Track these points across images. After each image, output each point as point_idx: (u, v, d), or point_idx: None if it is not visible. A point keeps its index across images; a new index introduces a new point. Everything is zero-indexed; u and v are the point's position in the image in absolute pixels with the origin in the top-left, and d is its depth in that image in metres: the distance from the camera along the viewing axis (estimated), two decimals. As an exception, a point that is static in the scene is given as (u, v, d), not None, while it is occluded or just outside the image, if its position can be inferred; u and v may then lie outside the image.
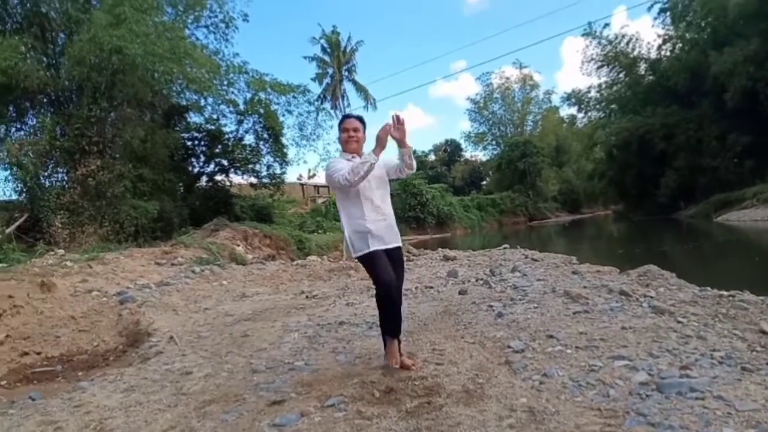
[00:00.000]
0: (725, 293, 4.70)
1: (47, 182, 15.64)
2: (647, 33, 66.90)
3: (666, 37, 34.02)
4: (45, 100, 16.69)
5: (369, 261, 3.39)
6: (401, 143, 3.49)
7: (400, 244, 3.57)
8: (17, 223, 14.10)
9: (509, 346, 3.58)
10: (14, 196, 15.82)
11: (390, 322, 3.47)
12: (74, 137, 15.18)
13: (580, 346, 3.46)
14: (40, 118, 16.66)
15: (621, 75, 37.50)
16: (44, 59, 16.31)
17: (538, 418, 2.49)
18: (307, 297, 6.65)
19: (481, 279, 6.59)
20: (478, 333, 4.04)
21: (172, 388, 3.30)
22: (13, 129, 17.05)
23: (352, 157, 3.45)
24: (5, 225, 13.95)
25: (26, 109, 17.24)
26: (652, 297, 4.65)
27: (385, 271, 3.33)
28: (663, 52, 34.73)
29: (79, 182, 14.80)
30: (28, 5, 16.14)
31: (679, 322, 3.87)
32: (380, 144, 3.32)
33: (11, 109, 16.56)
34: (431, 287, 6.47)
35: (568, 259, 8.15)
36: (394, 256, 3.47)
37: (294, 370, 3.56)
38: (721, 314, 4.03)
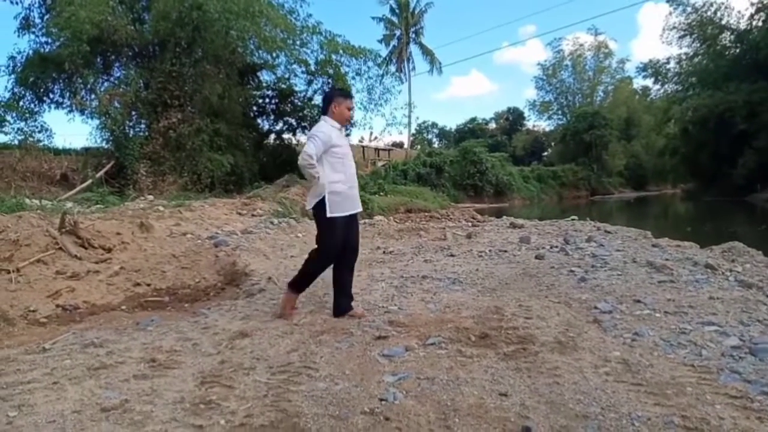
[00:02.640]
0: (816, 274, 4.62)
1: (131, 132, 16.65)
2: (738, 1, 61.78)
3: (759, 5, 31.35)
4: (130, 53, 17.60)
5: (339, 221, 3.84)
6: None
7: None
8: (105, 169, 15.21)
9: (596, 307, 3.73)
10: (103, 144, 17.00)
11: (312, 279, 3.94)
12: (157, 90, 16.03)
13: (669, 311, 3.56)
14: (125, 70, 17.63)
15: (704, 46, 35.04)
16: (131, 14, 17.10)
17: (634, 369, 2.66)
18: (384, 252, 6.97)
19: (556, 246, 6.66)
20: (562, 294, 4.20)
21: (284, 320, 3.67)
22: (101, 80, 18.08)
23: (341, 127, 3.92)
24: (95, 170, 15.08)
25: (112, 62, 18.24)
26: (738, 272, 4.64)
27: (342, 233, 3.83)
28: (754, 22, 32.10)
29: (161, 134, 15.70)
30: (117, -40, 16.83)
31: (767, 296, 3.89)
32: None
33: (99, 60, 17.55)
34: (505, 251, 6.61)
35: (642, 233, 8.04)
36: (353, 220, 3.94)
37: (389, 312, 3.85)
38: (814, 293, 3.99)
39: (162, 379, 2.67)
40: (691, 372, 2.62)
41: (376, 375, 2.68)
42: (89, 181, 14.04)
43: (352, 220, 3.89)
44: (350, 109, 3.95)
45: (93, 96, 17.21)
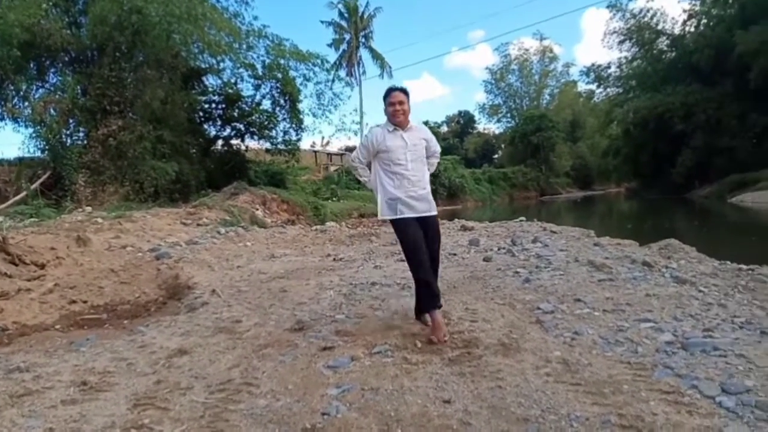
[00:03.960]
0: (744, 267, 4.87)
1: (69, 141, 15.87)
2: (672, 8, 65.30)
3: (691, 12, 33.29)
4: (66, 58, 16.78)
5: (402, 226, 3.64)
6: None
7: (434, 213, 3.72)
8: (41, 180, 14.43)
9: (539, 308, 3.80)
10: (37, 154, 16.14)
11: (432, 288, 3.56)
12: (95, 97, 15.36)
13: (607, 309, 3.67)
14: (61, 76, 16.79)
15: (643, 50, 36.82)
16: (66, 18, 16.34)
17: (573, 369, 2.71)
18: (334, 259, 6.89)
19: (503, 248, 6.78)
20: (507, 296, 4.26)
21: (226, 334, 3.56)
22: (35, 87, 17.17)
23: (394, 129, 3.59)
24: (29, 181, 14.30)
25: (47, 68, 17.33)
26: (674, 268, 4.84)
27: (413, 238, 3.60)
28: (687, 28, 34.05)
29: (100, 142, 15.04)
30: (52, -38, 16.06)
31: (700, 291, 4.07)
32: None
33: (32, 66, 16.67)
34: (454, 254, 6.68)
35: (586, 232, 8.31)
36: (426, 222, 3.63)
37: (336, 321, 3.80)
38: (741, 286, 4.21)
39: (92, 403, 2.52)
40: (627, 369, 2.69)
41: (320, 388, 2.62)
42: (23, 194, 13.28)
43: (420, 223, 3.57)
44: (394, 104, 3.56)
45: (26, 103, 16.32)
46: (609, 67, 39.77)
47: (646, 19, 35.79)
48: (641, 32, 35.98)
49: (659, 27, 35.66)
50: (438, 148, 3.96)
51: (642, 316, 3.49)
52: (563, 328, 3.35)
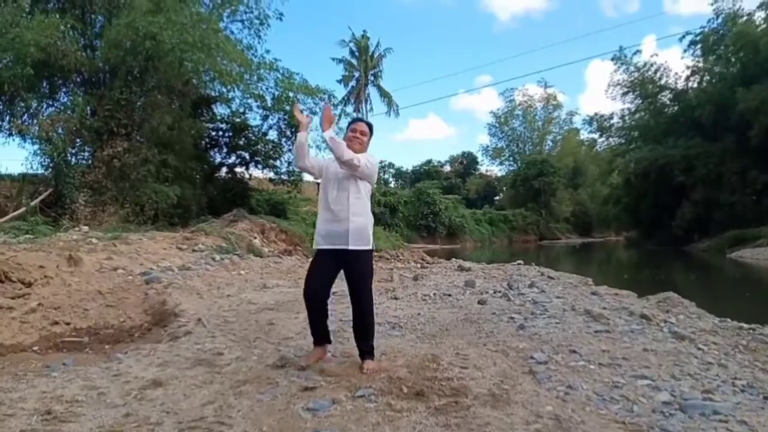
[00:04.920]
0: (745, 326, 4.75)
1: (73, 160, 15.93)
2: (675, 63, 66.64)
3: (695, 68, 33.96)
4: (78, 79, 17.03)
5: (313, 257, 3.67)
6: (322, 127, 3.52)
7: (351, 248, 3.39)
8: (42, 197, 14.40)
9: (532, 357, 3.67)
10: (41, 170, 16.17)
11: (311, 325, 3.66)
12: (104, 118, 15.48)
13: (603, 363, 3.54)
14: (72, 96, 16.99)
15: (646, 102, 37.41)
16: (82, 40, 16.67)
17: (565, 426, 2.57)
18: (326, 293, 6.75)
19: (499, 291, 6.67)
20: (500, 342, 4.13)
21: (206, 367, 3.42)
22: (45, 105, 17.37)
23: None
24: (30, 197, 14.27)
25: (59, 87, 17.56)
26: (672, 323, 4.72)
27: (311, 277, 3.57)
28: (690, 84, 34.69)
29: (105, 162, 15.07)
30: (73, -15, 16.52)
31: (699, 348, 3.94)
32: (300, 122, 3.58)
33: (45, 84, 16.91)
34: (449, 295, 6.55)
35: (584, 279, 8.21)
36: (347, 259, 3.43)
37: (321, 360, 3.66)
38: (742, 345, 4.09)
39: (53, 435, 2.38)
40: (622, 430, 2.56)
41: (296, 432, 2.48)
42: (22, 209, 13.23)
43: (327, 256, 3.48)
44: (355, 131, 3.57)
45: (35, 120, 16.47)
46: (612, 117, 40.38)
47: (649, 73, 36.49)
48: (644, 85, 36.62)
49: (662, 81, 36.32)
50: (366, 173, 3.51)
51: (639, 372, 3.37)
52: (557, 381, 3.21)
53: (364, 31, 43.48)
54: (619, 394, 3.00)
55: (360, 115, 40.72)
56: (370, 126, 3.74)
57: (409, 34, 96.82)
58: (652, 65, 36.36)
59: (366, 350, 3.52)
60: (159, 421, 2.54)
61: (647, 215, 34.69)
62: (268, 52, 19.43)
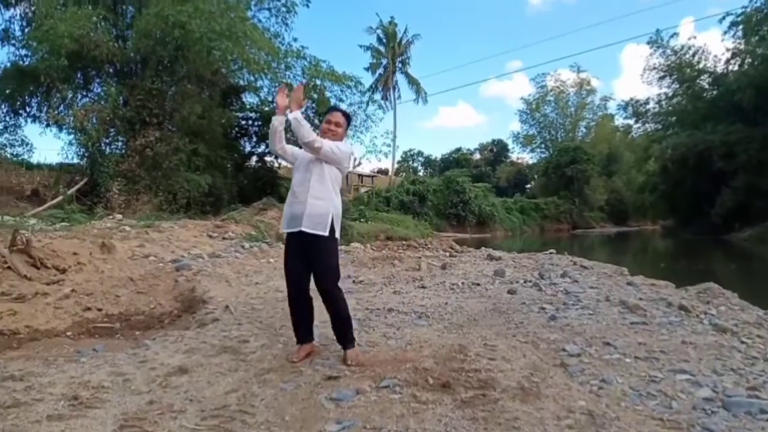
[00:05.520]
0: (793, 319, 4.49)
1: (107, 149, 16.35)
2: (715, 46, 64.01)
3: (735, 50, 32.42)
4: (111, 70, 17.41)
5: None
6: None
7: (300, 229, 3.30)
8: (78, 186, 14.83)
9: (564, 350, 3.53)
10: (76, 160, 16.66)
11: (292, 319, 3.57)
12: (136, 108, 15.79)
13: (640, 356, 3.38)
14: (105, 86, 17.39)
15: (683, 87, 36.00)
16: (113, 30, 16.99)
17: (598, 422, 2.45)
18: (354, 282, 6.72)
19: (530, 281, 6.50)
20: (530, 333, 4.00)
21: (231, 354, 3.41)
22: (79, 96, 17.83)
23: None
24: (67, 186, 14.69)
25: (92, 78, 18.03)
26: (713, 315, 4.50)
27: (285, 265, 3.52)
28: (730, 67, 33.15)
29: (138, 152, 15.39)
30: (105, -23, 16.81)
31: (743, 342, 3.73)
32: (278, 105, 3.48)
33: (79, 75, 17.34)
34: (478, 284, 6.42)
35: (619, 269, 7.93)
36: (307, 243, 3.33)
37: (313, 355, 3.59)
38: (790, 340, 3.85)
39: (79, 420, 2.39)
40: (659, 427, 2.42)
41: (319, 422, 2.43)
42: (59, 198, 13.63)
43: (291, 240, 3.44)
44: (330, 122, 3.53)
45: (70, 111, 16.92)
46: (648, 102, 39.00)
47: (687, 56, 35.04)
48: (682, 69, 35.21)
49: (701, 65, 34.85)
50: (331, 158, 3.42)
51: (678, 367, 3.20)
52: (590, 375, 3.08)
53: (391, 17, 43.08)
54: (657, 389, 2.86)
55: (389, 103, 40.53)
56: (346, 115, 3.67)
57: (438, 19, 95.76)
58: (689, 48, 34.94)
59: (344, 343, 3.41)
60: (182, 408, 2.53)
61: (685, 203, 33.54)
62: (295, 40, 19.51)
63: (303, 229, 3.29)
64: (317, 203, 3.34)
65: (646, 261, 19.93)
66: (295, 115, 3.30)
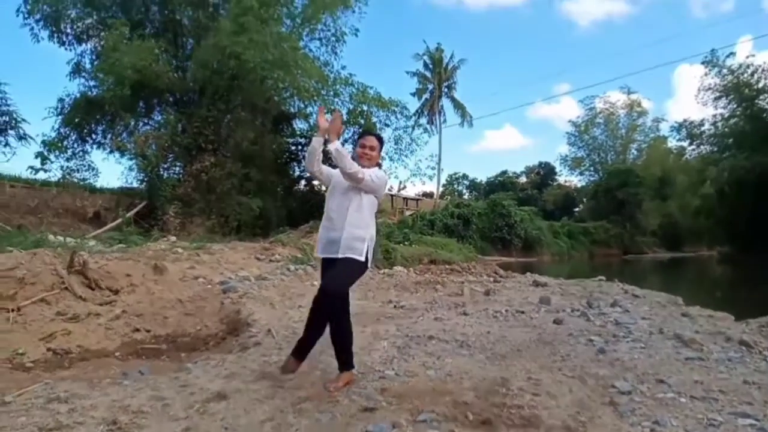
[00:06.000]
0: None
1: (165, 174, 17.11)
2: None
3: (797, 68, 30.87)
4: (170, 99, 18.34)
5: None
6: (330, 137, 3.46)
7: (335, 256, 3.40)
8: (136, 209, 15.50)
9: (614, 386, 3.36)
10: (135, 184, 17.50)
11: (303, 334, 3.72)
12: (193, 135, 16.50)
13: (696, 396, 3.17)
14: (164, 115, 18.32)
15: (740, 108, 34.41)
16: (173, 62, 17.94)
17: (650, 469, 2.31)
18: (395, 306, 6.69)
19: (578, 310, 6.27)
20: (577, 367, 3.83)
21: (269, 380, 3.43)
22: (141, 123, 18.84)
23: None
24: (126, 209, 15.40)
25: (154, 106, 19.04)
26: (778, 352, 4.18)
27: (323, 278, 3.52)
28: (793, 85, 31.53)
29: (193, 176, 16.04)
30: (166, 12, 17.82)
31: (813, 384, 3.44)
32: (320, 126, 3.55)
33: (141, 104, 18.35)
34: (522, 312, 6.25)
35: (673, 299, 7.55)
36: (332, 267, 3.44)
37: (385, 378, 3.57)
38: None
39: (117, 446, 2.45)
40: (717, 477, 2.25)
41: (354, 456, 2.40)
42: (119, 221, 14.29)
43: (326, 265, 3.51)
44: (365, 146, 3.64)
45: (132, 138, 17.87)
46: (703, 123, 37.55)
47: (745, 75, 33.59)
48: (740, 89, 33.71)
49: (760, 84, 33.27)
50: (371, 187, 3.50)
51: (739, 410, 2.97)
52: (641, 415, 2.91)
53: (438, 43, 43.58)
54: (715, 434, 2.67)
55: (434, 127, 40.65)
56: (379, 139, 3.74)
57: (484, 43, 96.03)
58: (748, 67, 33.50)
59: (339, 362, 3.44)
60: (218, 436, 2.55)
61: (744, 228, 31.78)
62: (344, 68, 19.95)
63: (339, 255, 3.38)
64: (356, 231, 3.41)
65: (702, 289, 18.83)
66: (336, 146, 3.36)
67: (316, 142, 3.53)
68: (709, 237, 41.14)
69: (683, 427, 2.75)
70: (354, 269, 3.45)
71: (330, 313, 3.42)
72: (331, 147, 3.38)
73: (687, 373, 3.63)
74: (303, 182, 22.26)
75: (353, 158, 3.50)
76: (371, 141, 3.67)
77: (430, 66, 43.08)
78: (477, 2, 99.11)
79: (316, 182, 21.95)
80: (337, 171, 3.54)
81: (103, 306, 5.63)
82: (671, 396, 3.19)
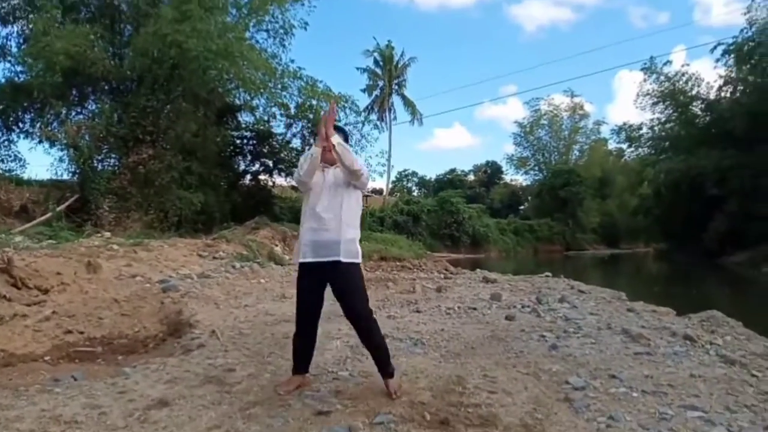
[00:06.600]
0: (801, 350, 4.34)
1: (99, 166, 16.09)
2: (707, 73, 65.02)
3: (727, 78, 32.83)
4: (106, 87, 17.32)
5: (298, 273, 3.30)
6: (326, 134, 3.15)
7: (335, 258, 3.12)
8: (68, 203, 14.53)
9: (568, 382, 3.36)
10: (66, 177, 16.44)
11: (295, 352, 3.36)
12: (130, 125, 15.64)
13: (647, 390, 3.21)
14: (99, 104, 17.28)
15: (676, 113, 36.33)
16: (110, 48, 16.94)
17: (609, 466, 2.28)
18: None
19: (528, 306, 6.34)
20: (531, 363, 3.83)
21: (215, 385, 3.21)
22: (74, 112, 17.71)
23: (323, 166, 3.26)
24: (56, 203, 14.43)
25: (88, 95, 17.92)
26: (719, 345, 4.35)
27: (304, 295, 3.27)
28: (722, 94, 33.51)
29: (130, 169, 15.20)
30: (104, -3, 16.84)
31: (753, 375, 3.58)
32: (319, 134, 3.20)
33: (74, 92, 17.24)
34: (474, 308, 6.25)
35: (617, 294, 7.81)
36: (334, 273, 3.15)
37: (338, 380, 3.43)
38: (801, 373, 3.70)
39: (44, 462, 2.19)
40: (674, 472, 2.25)
41: (308, 464, 2.24)
42: (48, 215, 13.35)
43: (314, 270, 3.18)
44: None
45: (63, 127, 16.76)
46: (641, 127, 39.18)
47: (680, 83, 35.36)
48: (675, 95, 35.47)
49: (694, 91, 35.16)
50: (365, 183, 3.33)
51: (687, 402, 3.04)
52: (596, 411, 2.91)
53: (389, 40, 43.45)
54: (668, 427, 2.69)
55: (384, 124, 40.67)
56: (342, 131, 3.41)
57: (434, 43, 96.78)
58: (683, 75, 35.22)
59: (385, 372, 3.22)
60: (159, 447, 2.33)
61: (678, 227, 33.59)
62: (292, 61, 19.45)
63: (341, 259, 3.10)
64: (352, 232, 3.20)
65: (641, 284, 19.76)
66: (339, 140, 3.11)
67: (316, 151, 3.16)
68: (645, 235, 43.29)
69: (637, 421, 2.77)
70: (362, 277, 3.33)
71: (368, 334, 3.26)
72: (334, 141, 3.07)
73: (637, 367, 3.69)
74: (248, 176, 21.69)
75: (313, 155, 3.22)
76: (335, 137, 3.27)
77: (381, 63, 42.94)
78: (428, 2, 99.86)
79: (262, 177, 21.47)
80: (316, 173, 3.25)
81: (31, 306, 5.17)
82: (623, 391, 3.22)
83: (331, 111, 3.31)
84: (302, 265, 3.23)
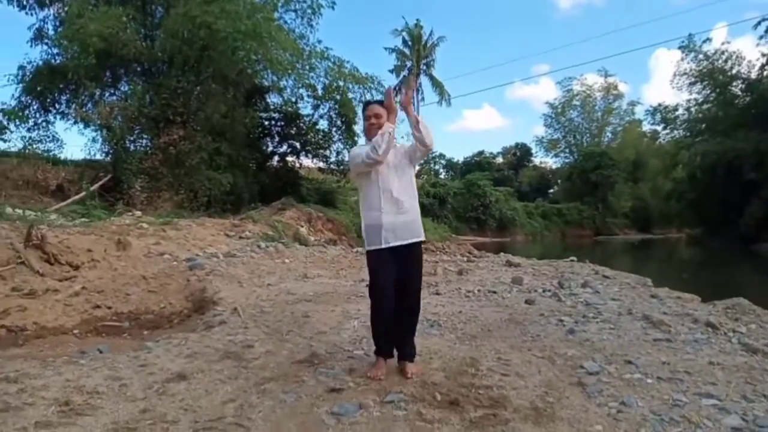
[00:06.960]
0: (830, 341, 4.20)
1: (132, 146, 16.54)
2: (749, 51, 62.20)
3: (770, 56, 31.37)
4: (138, 69, 17.63)
5: (371, 258, 3.22)
6: (406, 110, 3.24)
7: (417, 239, 3.20)
8: (101, 182, 14.99)
9: (582, 367, 3.35)
10: (100, 157, 16.93)
11: (374, 334, 3.31)
12: (161, 106, 15.93)
13: (663, 377, 3.17)
14: (131, 85, 17.63)
15: (714, 93, 34.94)
16: (142, 30, 17.21)
17: (616, 451, 2.28)
18: (367, 285, 6.60)
19: (549, 290, 6.29)
20: (546, 347, 3.82)
21: (233, 360, 3.32)
22: (107, 94, 18.11)
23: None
24: (90, 183, 14.88)
25: (120, 76, 18.29)
26: (742, 333, 4.24)
27: (383, 281, 3.15)
28: (765, 73, 32.04)
29: (161, 149, 15.53)
30: (135, -23, 17.04)
31: (775, 365, 3.49)
32: (390, 110, 3.19)
33: (107, 74, 17.62)
34: (494, 292, 6.25)
35: (642, 280, 7.66)
36: (406, 253, 3.16)
37: (353, 358, 3.49)
38: (827, 364, 3.59)
39: (67, 428, 2.31)
40: (683, 458, 2.24)
41: (317, 439, 2.31)
42: (83, 194, 13.80)
43: (393, 253, 3.13)
44: (369, 117, 3.27)
45: (97, 108, 17.19)
46: (677, 108, 37.91)
47: (720, 62, 33.91)
48: (714, 75, 34.10)
49: (734, 71, 33.72)
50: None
51: (703, 390, 2.99)
52: (609, 396, 2.89)
53: (417, 20, 42.87)
54: (680, 414, 2.66)
55: (417, 106, 40.33)
56: (380, 102, 3.38)
57: (464, 22, 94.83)
58: (723, 53, 33.76)
59: (410, 352, 3.24)
60: (175, 419, 2.43)
61: (713, 212, 32.54)
62: (320, 41, 19.41)
63: (421, 239, 3.22)
64: (418, 208, 3.27)
65: (671, 271, 19.32)
66: (419, 116, 3.17)
67: (392, 128, 3.15)
68: (679, 220, 42.00)
69: (649, 407, 2.74)
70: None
71: (416, 309, 3.30)
72: (418, 117, 3.14)
73: (655, 354, 3.64)
74: (276, 158, 21.90)
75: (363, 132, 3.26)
76: (373, 109, 3.30)
77: (409, 43, 42.43)
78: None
79: (289, 158, 21.64)
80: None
81: (62, 282, 5.42)
82: (638, 377, 3.18)
83: (410, 85, 3.31)
84: (380, 251, 3.15)
